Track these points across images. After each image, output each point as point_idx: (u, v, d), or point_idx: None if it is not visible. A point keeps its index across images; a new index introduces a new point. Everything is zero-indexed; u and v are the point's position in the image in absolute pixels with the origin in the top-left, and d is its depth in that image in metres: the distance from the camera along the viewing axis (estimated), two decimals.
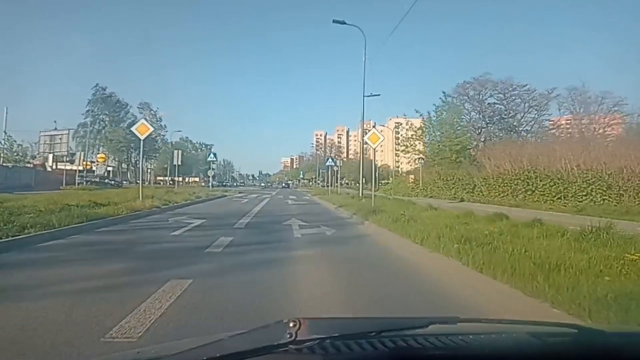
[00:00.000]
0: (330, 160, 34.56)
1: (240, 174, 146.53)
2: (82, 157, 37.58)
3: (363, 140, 23.29)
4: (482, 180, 25.49)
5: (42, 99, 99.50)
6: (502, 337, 1.04)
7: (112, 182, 45.98)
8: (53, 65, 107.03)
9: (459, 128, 36.34)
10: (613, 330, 1.13)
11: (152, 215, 11.35)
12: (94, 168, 54.30)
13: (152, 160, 76.87)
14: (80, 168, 53.75)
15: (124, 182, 62.44)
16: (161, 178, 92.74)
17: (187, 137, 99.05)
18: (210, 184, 39.60)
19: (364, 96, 22.13)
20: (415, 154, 38.93)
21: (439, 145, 35.69)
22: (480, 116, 43.58)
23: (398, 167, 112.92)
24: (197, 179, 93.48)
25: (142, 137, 13.59)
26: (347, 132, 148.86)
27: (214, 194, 25.80)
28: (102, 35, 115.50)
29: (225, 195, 27.31)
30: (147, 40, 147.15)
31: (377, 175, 24.18)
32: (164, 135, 77.28)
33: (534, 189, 21.55)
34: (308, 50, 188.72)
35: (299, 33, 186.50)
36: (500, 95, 42.36)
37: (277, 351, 0.84)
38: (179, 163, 28.90)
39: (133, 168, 75.00)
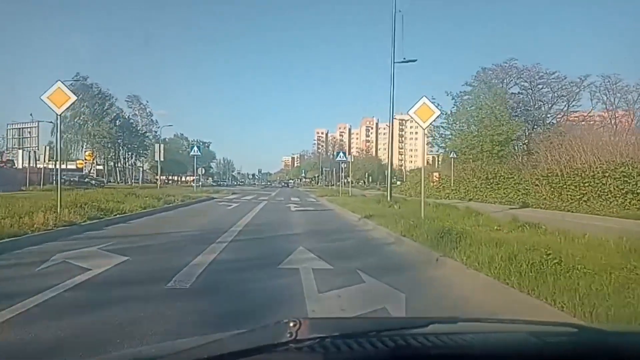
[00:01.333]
0: (341, 154, 28.75)
1: (241, 173, 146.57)
2: (48, 153, 31.74)
3: (392, 125, 19.68)
4: (543, 179, 20.20)
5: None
6: (502, 337, 1.06)
7: (94, 181, 42.29)
8: (52, 62, 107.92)
9: (501, 115, 30.59)
10: (613, 330, 1.15)
11: (22, 250, 6.34)
12: (78, 166, 51.99)
13: (143, 157, 73.18)
14: (73, 167, 53.16)
15: (110, 181, 59.07)
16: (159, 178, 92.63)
17: (182, 134, 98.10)
18: (198, 183, 37.03)
19: (393, 63, 17.06)
20: (444, 146, 34.14)
21: (476, 136, 30.50)
22: (504, 106, 38.01)
23: (401, 165, 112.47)
24: (190, 179, 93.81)
25: (58, 111, 9.73)
26: (349, 129, 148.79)
27: (198, 197, 22.24)
28: (102, 34, 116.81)
29: (213, 198, 23.26)
30: (146, 38, 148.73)
31: (390, 174, 20.88)
32: (156, 132, 72.59)
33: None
34: (308, 49, 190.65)
35: (298, 32, 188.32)
36: (525, 83, 38.16)
37: (277, 350, 0.85)
38: (161, 159, 26.68)
39: (125, 167, 71.96)
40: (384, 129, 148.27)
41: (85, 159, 56.04)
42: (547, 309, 3.42)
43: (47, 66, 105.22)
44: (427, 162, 43.70)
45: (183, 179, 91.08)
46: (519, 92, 38.94)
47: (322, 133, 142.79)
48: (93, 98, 63.77)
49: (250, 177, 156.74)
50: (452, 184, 27.57)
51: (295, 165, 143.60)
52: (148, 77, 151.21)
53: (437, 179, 30.36)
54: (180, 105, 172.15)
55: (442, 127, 34.81)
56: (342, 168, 32.35)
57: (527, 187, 21.71)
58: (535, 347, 0.95)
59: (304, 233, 9.14)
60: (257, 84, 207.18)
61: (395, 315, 3.58)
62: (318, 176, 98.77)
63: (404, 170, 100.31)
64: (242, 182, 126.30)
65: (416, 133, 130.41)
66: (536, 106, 38.65)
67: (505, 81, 38.51)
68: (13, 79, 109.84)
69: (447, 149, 33.18)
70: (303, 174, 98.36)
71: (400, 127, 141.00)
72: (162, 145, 26.53)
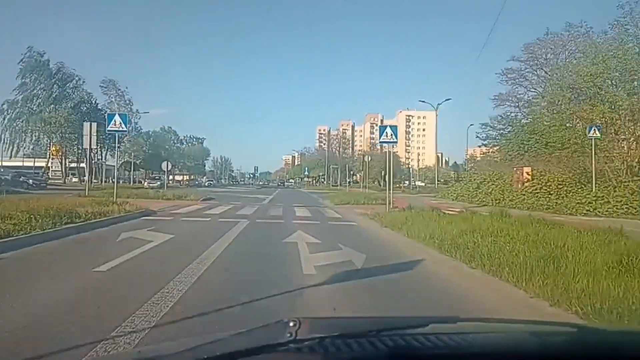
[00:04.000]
0: (388, 131, 16.16)
1: (240, 172, 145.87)
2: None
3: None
4: None
5: None
6: (502, 336, 1.11)
7: (34, 182, 32.82)
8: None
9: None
10: (613, 330, 1.20)
11: None
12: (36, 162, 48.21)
13: (115, 152, 66.04)
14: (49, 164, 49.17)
15: (73, 181, 52.34)
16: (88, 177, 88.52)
17: (170, 127, 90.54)
18: (154, 184, 32.68)
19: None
20: (510, 134, 27.63)
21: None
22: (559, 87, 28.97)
23: (408, 164, 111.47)
24: (185, 178, 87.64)
25: None
26: (353, 126, 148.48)
27: (118, 214, 11.80)
28: (101, 33, 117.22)
29: (146, 216, 12.86)
30: (145, 35, 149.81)
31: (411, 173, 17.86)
32: (136, 123, 64.08)
33: None
34: (308, 47, 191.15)
35: (298, 32, 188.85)
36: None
37: (277, 350, 0.89)
38: (93, 145, 19.88)
39: (91, 163, 60.02)
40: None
41: (52, 155, 52.51)
42: None
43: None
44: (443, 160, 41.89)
45: (176, 178, 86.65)
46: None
47: (324, 131, 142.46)
48: (50, 78, 53.06)
49: (249, 176, 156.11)
50: (555, 186, 19.69)
51: (296, 163, 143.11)
52: (147, 75, 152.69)
53: (527, 179, 21.64)
54: (180, 105, 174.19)
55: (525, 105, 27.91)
56: (366, 162, 28.53)
57: None
58: (535, 347, 1.00)
59: None
60: (257, 83, 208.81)
61: None
62: (323, 175, 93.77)
63: (411, 169, 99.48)
64: (236, 181, 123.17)
65: (424, 130, 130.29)
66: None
67: (559, 55, 31.05)
68: None
69: (512, 137, 26.09)
70: (306, 173, 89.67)
71: (407, 123, 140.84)
72: (93, 125, 18.73)
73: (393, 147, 18.28)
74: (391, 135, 15.61)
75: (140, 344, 3.04)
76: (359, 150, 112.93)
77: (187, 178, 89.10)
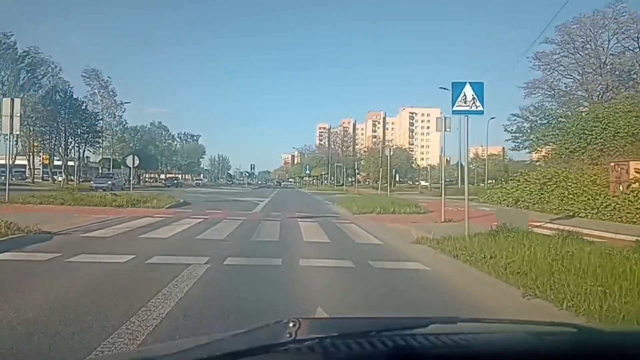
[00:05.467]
0: (466, 89, 9.21)
1: (240, 172, 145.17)
2: None
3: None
4: None
5: None
6: (502, 337, 1.13)
7: None
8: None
9: None
10: (613, 330, 1.22)
11: None
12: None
13: (94, 147, 57.10)
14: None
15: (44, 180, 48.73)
16: (153, 176, 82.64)
17: (160, 122, 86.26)
18: (109, 185, 30.48)
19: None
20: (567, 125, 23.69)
21: None
22: (598, 73, 28.29)
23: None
24: (176, 177, 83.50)
25: None
26: (354, 125, 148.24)
27: None
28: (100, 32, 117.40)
29: (47, 238, 8.23)
30: (145, 34, 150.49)
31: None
32: (120, 116, 59.33)
33: None
34: (307, 45, 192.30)
35: (297, 30, 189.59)
36: (633, 40, 27.89)
37: (276, 350, 0.91)
38: (13, 131, 16.04)
39: (65, 158, 53.38)
40: (392, 123, 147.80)
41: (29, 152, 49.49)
42: None
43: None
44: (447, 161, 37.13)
45: (164, 176, 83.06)
46: (624, 50, 28.66)
47: (325, 129, 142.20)
48: (16, 62, 47.59)
49: (246, 174, 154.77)
50: None
51: (296, 162, 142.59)
52: (146, 74, 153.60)
53: (634, 179, 15.77)
54: (179, 103, 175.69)
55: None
56: (376, 158, 27.02)
57: None
58: (535, 347, 1.02)
59: None
60: (256, 82, 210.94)
61: None
62: (325, 174, 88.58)
63: (415, 165, 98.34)
64: (230, 181, 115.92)
65: (428, 128, 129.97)
66: None
67: (600, 37, 28.65)
68: None
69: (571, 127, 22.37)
70: (308, 171, 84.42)
71: (411, 120, 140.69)
72: (7, 100, 15.69)
73: (467, 120, 9.60)
74: (473, 99, 8.92)
75: None
76: (363, 149, 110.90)
77: (166, 177, 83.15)
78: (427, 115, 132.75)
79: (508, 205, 20.95)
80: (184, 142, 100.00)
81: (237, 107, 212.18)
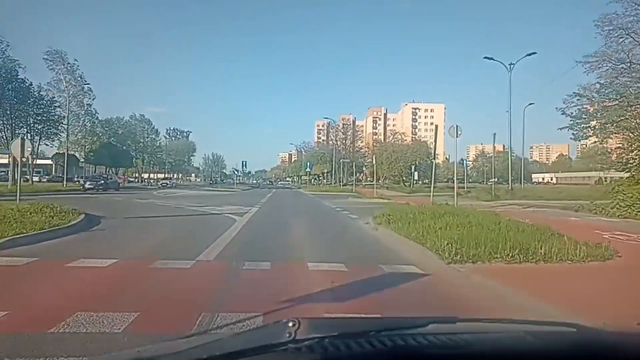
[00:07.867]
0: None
1: (236, 170, 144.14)
2: None
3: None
4: None
5: None
6: (501, 336, 1.16)
7: None
8: None
9: None
10: (613, 330, 1.26)
11: None
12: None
13: (54, 140, 47.61)
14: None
15: None
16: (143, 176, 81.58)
17: (143, 115, 79.35)
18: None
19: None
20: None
21: None
22: None
23: (447, 158, 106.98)
24: (168, 176, 77.58)
25: None
26: (354, 121, 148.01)
27: None
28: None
29: None
30: (144, 33, 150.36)
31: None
32: (89, 105, 50.91)
33: None
34: (306, 43, 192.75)
35: (296, 30, 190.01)
36: None
37: (276, 350, 0.94)
38: None
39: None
40: (394, 119, 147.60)
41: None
42: None
43: None
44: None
45: (152, 176, 78.91)
46: None
47: (323, 125, 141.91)
48: None
49: (240, 174, 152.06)
50: None
51: (293, 160, 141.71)
52: (146, 73, 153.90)
53: None
54: (176, 102, 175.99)
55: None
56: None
57: None
58: (534, 347, 1.05)
59: None
60: (254, 81, 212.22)
61: None
62: (328, 172, 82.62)
63: (434, 163, 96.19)
64: (215, 181, 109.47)
65: (431, 124, 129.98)
66: None
67: None
68: None
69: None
70: (308, 169, 74.37)
71: (413, 116, 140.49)
72: None
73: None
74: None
75: None
76: (364, 147, 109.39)
77: (149, 177, 76.40)
78: (431, 110, 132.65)
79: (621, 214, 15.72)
80: (173, 138, 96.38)
81: (233, 107, 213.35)
